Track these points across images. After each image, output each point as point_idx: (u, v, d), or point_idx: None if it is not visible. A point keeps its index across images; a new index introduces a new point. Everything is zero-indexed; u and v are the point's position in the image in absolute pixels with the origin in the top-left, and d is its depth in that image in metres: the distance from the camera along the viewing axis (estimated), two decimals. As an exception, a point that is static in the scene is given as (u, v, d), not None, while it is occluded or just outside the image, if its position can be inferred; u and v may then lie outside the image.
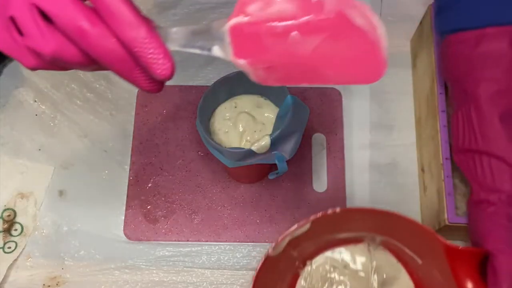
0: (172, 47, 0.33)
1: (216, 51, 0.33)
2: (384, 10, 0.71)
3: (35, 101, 0.67)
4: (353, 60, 0.31)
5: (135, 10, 0.31)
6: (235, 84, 0.59)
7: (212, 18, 0.71)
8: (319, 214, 0.50)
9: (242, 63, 0.32)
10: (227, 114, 0.59)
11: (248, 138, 0.57)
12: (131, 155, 0.65)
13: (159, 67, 0.32)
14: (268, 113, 0.59)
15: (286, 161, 0.54)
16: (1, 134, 0.66)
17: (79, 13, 0.30)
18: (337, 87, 0.68)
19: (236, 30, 0.31)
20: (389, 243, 0.54)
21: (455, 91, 0.51)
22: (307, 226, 0.51)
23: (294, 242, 0.51)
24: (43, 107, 0.67)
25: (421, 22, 0.66)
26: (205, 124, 0.57)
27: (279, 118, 0.55)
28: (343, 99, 0.67)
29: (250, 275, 0.60)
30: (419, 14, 0.66)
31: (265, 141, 0.53)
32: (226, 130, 0.58)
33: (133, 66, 0.32)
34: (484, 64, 0.47)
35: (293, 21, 0.29)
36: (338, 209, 0.50)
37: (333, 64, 0.31)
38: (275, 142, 0.53)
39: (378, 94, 0.68)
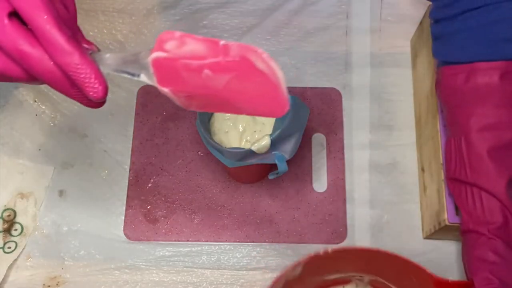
0: (105, 70, 0.36)
1: (144, 78, 0.36)
2: (384, 10, 0.71)
3: (35, 101, 0.67)
4: (259, 97, 0.35)
5: (69, 36, 0.34)
6: None
7: (212, 18, 0.71)
8: (312, 254, 0.51)
9: (165, 91, 0.36)
10: (227, 114, 0.59)
11: (248, 138, 0.57)
12: (131, 155, 0.65)
13: (91, 90, 0.35)
14: None
15: (286, 161, 0.54)
16: (1, 134, 0.66)
17: (20, 38, 0.34)
18: (337, 87, 0.68)
19: (157, 63, 0.34)
20: (377, 282, 0.55)
21: (448, 118, 0.52)
22: (299, 269, 0.52)
23: (287, 286, 0.52)
24: (43, 107, 0.67)
25: (421, 22, 0.66)
26: (205, 124, 0.57)
27: (279, 118, 0.55)
28: (343, 99, 0.67)
29: (250, 275, 0.60)
30: (419, 14, 0.66)
31: (265, 141, 0.53)
32: (226, 130, 0.58)
33: (69, 87, 0.36)
34: (474, 98, 0.48)
35: (204, 60, 0.34)
36: (330, 250, 0.51)
37: (242, 99, 0.35)
38: (275, 142, 0.53)
39: (378, 94, 0.68)
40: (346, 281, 0.56)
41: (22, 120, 0.66)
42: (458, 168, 0.49)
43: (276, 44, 0.70)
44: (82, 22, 0.71)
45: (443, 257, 0.60)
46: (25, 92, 0.67)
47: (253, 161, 0.54)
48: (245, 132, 0.57)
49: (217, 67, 0.34)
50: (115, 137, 0.66)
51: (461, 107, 0.49)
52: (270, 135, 0.53)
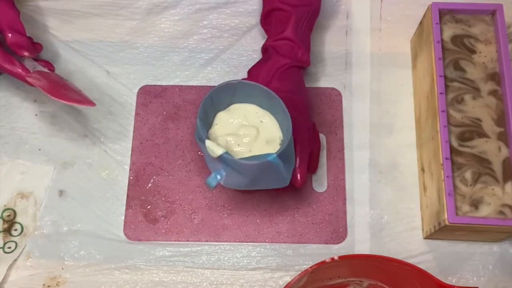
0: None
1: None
2: (384, 10, 0.71)
3: (35, 101, 0.67)
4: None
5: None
6: (229, 94, 0.59)
7: (211, 18, 0.71)
8: (318, 264, 0.52)
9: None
10: (227, 130, 0.59)
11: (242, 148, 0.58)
12: (131, 155, 0.65)
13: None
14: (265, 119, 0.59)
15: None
16: (1, 134, 0.66)
17: None
18: (337, 87, 0.68)
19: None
20: (376, 286, 0.56)
21: None
22: (305, 279, 0.53)
23: None
24: (43, 107, 0.67)
25: (421, 22, 0.66)
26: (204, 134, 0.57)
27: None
28: (343, 99, 0.67)
29: (250, 275, 0.60)
30: (419, 14, 0.66)
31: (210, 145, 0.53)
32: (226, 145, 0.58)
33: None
34: None
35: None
36: (336, 257, 0.52)
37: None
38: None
39: (378, 94, 0.68)
40: (345, 286, 0.57)
41: (22, 120, 0.66)
42: None
43: (276, 44, 0.70)
44: (84, 23, 0.71)
45: (443, 257, 0.60)
46: (25, 92, 0.67)
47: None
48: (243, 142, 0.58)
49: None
50: (115, 137, 0.66)
51: None
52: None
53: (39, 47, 0.66)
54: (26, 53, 0.62)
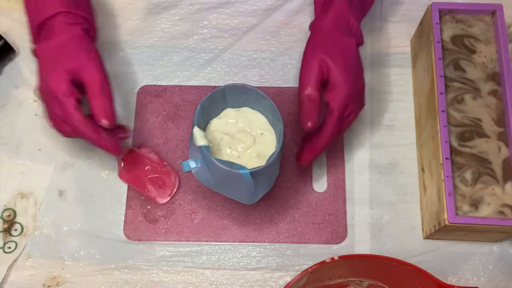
0: None
1: None
2: (384, 10, 0.71)
3: (35, 101, 0.67)
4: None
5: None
6: (219, 101, 0.59)
7: (211, 19, 0.71)
8: (319, 263, 0.52)
9: None
10: (223, 138, 0.59)
11: (234, 151, 0.58)
12: (131, 155, 0.65)
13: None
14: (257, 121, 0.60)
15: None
16: (1, 134, 0.66)
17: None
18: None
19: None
20: (376, 286, 0.56)
21: None
22: (305, 279, 0.53)
23: None
24: (43, 107, 0.67)
25: (421, 22, 0.66)
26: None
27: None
28: (343, 99, 0.67)
29: (250, 275, 0.60)
30: (419, 14, 0.66)
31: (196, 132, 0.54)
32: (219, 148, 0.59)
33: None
34: None
35: None
36: (336, 257, 0.52)
37: None
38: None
39: (378, 94, 0.68)
40: (345, 286, 0.57)
41: (22, 120, 0.66)
42: None
43: (276, 44, 0.70)
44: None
45: (443, 257, 0.61)
46: (25, 92, 0.67)
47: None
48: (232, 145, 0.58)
49: None
50: (115, 137, 0.66)
51: None
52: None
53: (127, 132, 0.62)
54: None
